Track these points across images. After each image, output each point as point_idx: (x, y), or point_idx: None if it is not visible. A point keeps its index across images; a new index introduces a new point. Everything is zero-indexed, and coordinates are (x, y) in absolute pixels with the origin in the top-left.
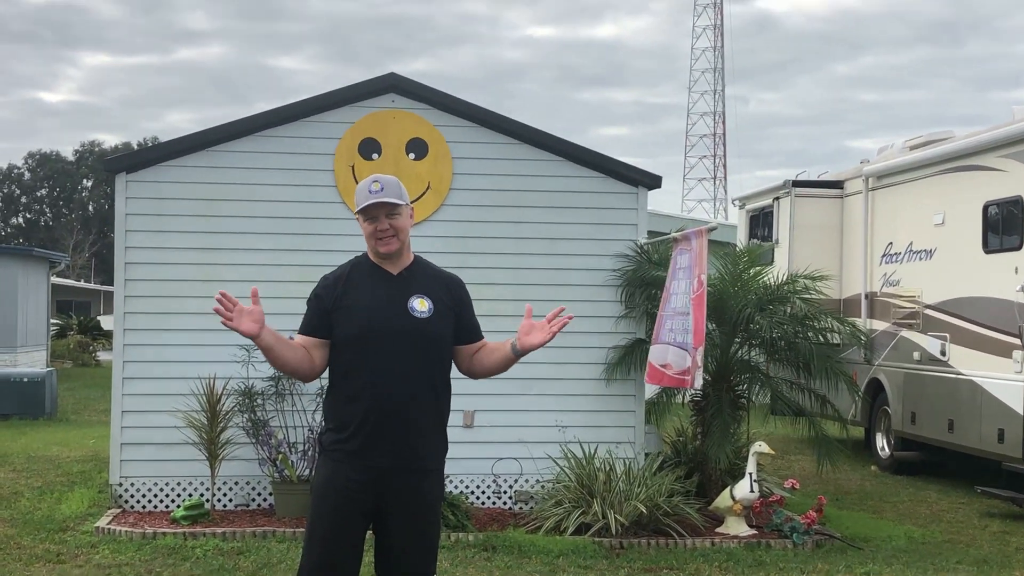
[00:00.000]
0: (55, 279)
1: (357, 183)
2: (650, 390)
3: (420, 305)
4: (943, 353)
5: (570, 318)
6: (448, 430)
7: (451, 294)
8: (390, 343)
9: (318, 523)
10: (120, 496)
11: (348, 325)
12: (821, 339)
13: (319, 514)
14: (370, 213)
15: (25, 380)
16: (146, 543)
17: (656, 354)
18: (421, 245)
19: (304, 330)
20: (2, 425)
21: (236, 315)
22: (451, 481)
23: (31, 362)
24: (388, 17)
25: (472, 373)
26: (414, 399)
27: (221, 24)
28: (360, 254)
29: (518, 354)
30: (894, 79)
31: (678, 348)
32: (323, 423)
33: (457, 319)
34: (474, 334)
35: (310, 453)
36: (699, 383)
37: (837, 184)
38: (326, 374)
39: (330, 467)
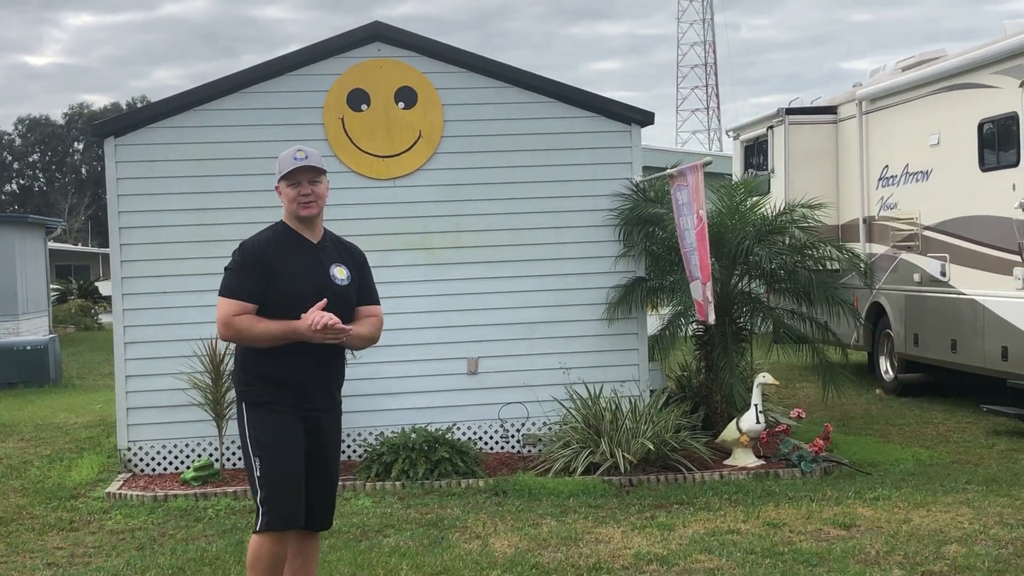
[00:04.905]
0: (52, 244)
1: (348, 136)
2: (653, 326)
3: (340, 273)
4: (943, 274)
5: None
6: (453, 378)
7: (357, 262)
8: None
9: (278, 469)
10: (129, 460)
11: (282, 288)
12: (820, 267)
13: (277, 461)
14: (294, 178)
15: (28, 348)
16: (158, 506)
17: (693, 291)
18: (415, 195)
19: (252, 297)
20: (8, 394)
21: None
22: (459, 428)
23: (33, 329)
24: None
25: None
26: (336, 354)
27: None
28: (276, 222)
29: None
30: None
31: (699, 283)
32: (244, 379)
33: (360, 283)
34: (372, 297)
35: None
36: (712, 318)
37: (830, 109)
38: None
39: (272, 418)
